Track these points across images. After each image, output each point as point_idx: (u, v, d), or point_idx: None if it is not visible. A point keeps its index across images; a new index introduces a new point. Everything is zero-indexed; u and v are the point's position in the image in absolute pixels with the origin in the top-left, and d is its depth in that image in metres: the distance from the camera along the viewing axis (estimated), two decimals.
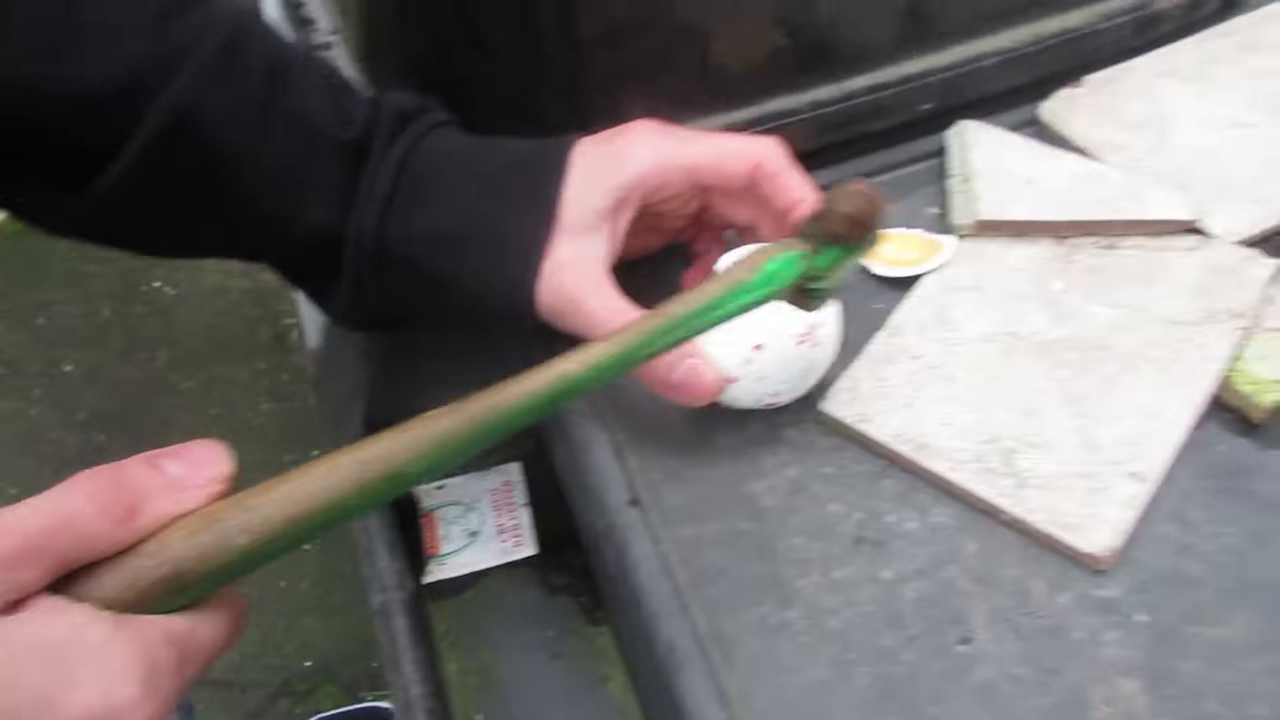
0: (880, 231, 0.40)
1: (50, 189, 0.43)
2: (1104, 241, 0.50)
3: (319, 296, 0.49)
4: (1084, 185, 0.51)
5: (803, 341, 0.43)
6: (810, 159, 0.56)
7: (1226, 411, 0.45)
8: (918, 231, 0.52)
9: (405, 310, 0.48)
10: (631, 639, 0.44)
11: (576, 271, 0.43)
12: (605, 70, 0.51)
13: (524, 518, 0.62)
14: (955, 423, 0.44)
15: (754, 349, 0.43)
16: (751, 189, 0.45)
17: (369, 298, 0.46)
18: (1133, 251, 0.50)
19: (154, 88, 0.41)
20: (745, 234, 0.49)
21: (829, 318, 0.44)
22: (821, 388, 0.46)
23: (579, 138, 0.45)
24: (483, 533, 0.61)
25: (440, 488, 0.64)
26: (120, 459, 0.30)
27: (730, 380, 0.43)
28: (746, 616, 0.41)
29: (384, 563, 0.53)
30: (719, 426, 0.46)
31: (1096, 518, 0.41)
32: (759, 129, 0.54)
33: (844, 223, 0.38)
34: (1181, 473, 0.43)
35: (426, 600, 0.58)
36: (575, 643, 0.57)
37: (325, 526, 0.31)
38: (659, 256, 0.52)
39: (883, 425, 0.45)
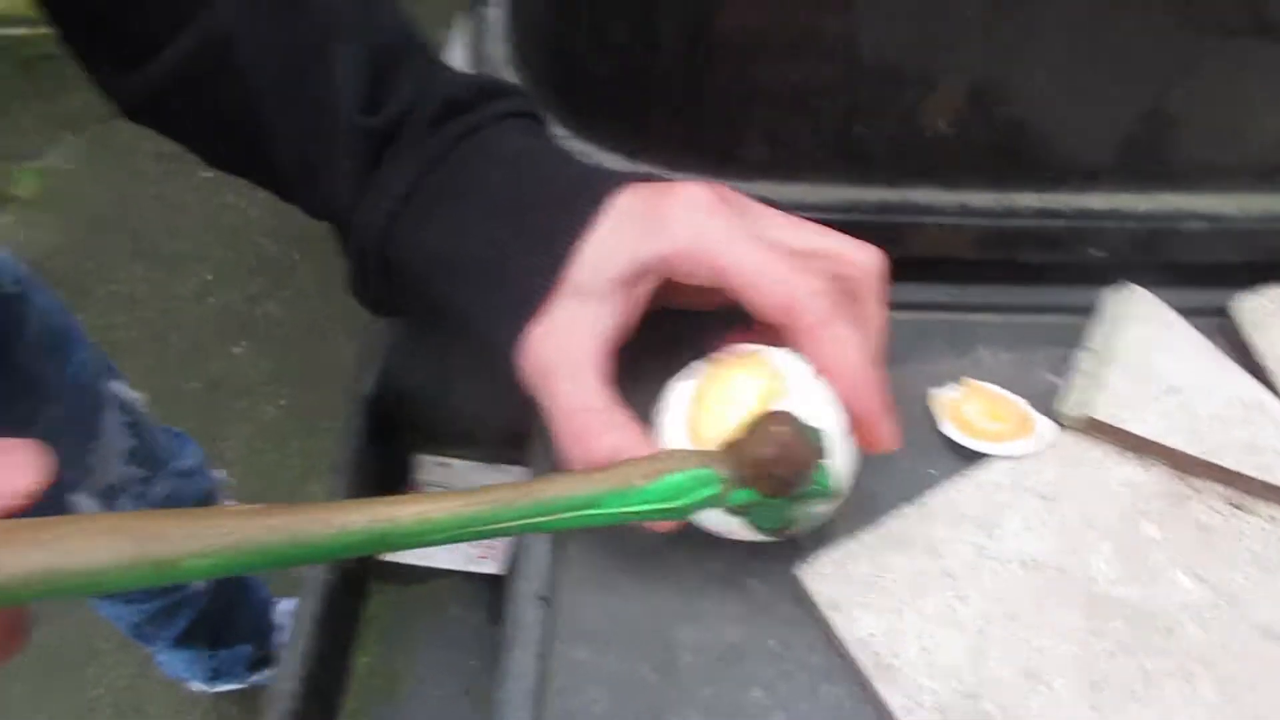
0: (812, 488, 0.32)
1: (114, 64, 0.41)
2: (1234, 496, 0.40)
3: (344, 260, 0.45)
4: (1243, 419, 0.40)
5: None
6: (940, 267, 0.47)
7: None
8: (1016, 400, 0.43)
9: (413, 314, 0.43)
10: None
11: (564, 341, 0.37)
12: (726, 85, 0.43)
13: None
14: (939, 654, 0.36)
15: None
16: (782, 329, 0.37)
17: (373, 292, 0.42)
18: (1267, 526, 0.39)
19: None
20: None
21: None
22: (820, 539, 0.39)
23: (627, 181, 0.38)
24: None
25: (443, 465, 0.59)
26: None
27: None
28: None
29: None
30: (681, 538, 0.39)
31: None
32: (890, 219, 0.45)
33: (752, 465, 0.30)
34: None
35: (370, 579, 0.55)
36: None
37: (77, 591, 0.27)
38: None
39: (854, 622, 0.36)
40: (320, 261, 1.79)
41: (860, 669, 0.36)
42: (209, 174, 1.90)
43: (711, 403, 0.35)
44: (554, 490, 0.31)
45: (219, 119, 0.41)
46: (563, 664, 0.37)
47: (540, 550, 0.39)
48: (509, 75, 0.49)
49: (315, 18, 0.39)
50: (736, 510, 0.32)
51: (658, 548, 0.39)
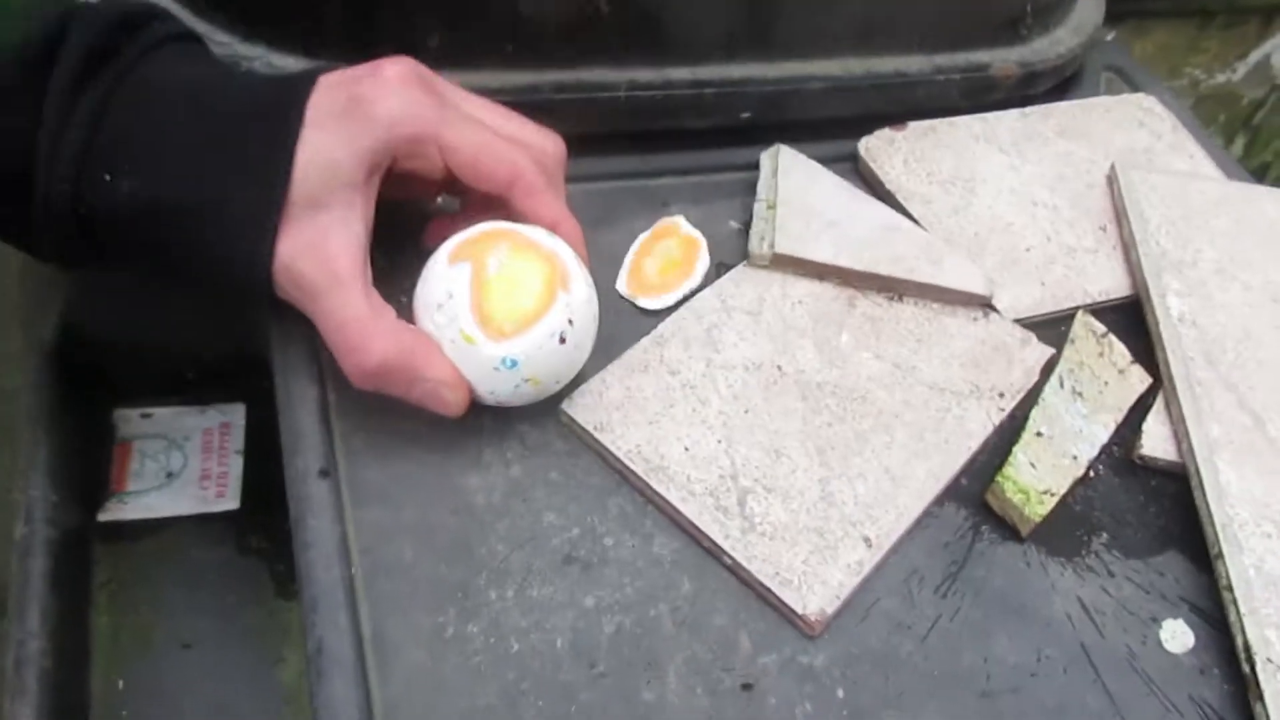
0: None
1: None
2: (891, 293, 0.48)
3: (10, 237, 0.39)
4: (885, 238, 0.49)
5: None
6: (625, 142, 0.52)
7: (972, 486, 0.43)
8: (694, 234, 0.49)
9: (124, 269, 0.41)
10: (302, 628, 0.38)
11: (321, 258, 0.37)
12: None
13: (234, 466, 0.55)
14: (698, 450, 0.41)
15: None
16: (505, 196, 0.40)
17: (74, 255, 0.39)
18: (916, 309, 0.48)
19: None
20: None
21: (579, 313, 0.39)
22: (572, 385, 0.42)
23: (315, 77, 0.38)
24: (182, 475, 0.54)
25: (146, 416, 0.56)
26: None
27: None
28: (419, 623, 0.36)
29: (38, 491, 0.45)
30: None
31: (816, 578, 0.38)
32: (567, 97, 0.49)
33: None
34: (915, 547, 0.41)
35: (94, 542, 0.51)
36: (257, 615, 0.50)
37: None
38: None
39: (621, 438, 0.41)
40: None
41: (636, 475, 0.40)
42: None
43: (497, 288, 0.37)
44: None
45: None
46: (360, 527, 0.38)
47: (311, 429, 0.39)
48: None
49: None
50: None
51: (425, 414, 0.41)
